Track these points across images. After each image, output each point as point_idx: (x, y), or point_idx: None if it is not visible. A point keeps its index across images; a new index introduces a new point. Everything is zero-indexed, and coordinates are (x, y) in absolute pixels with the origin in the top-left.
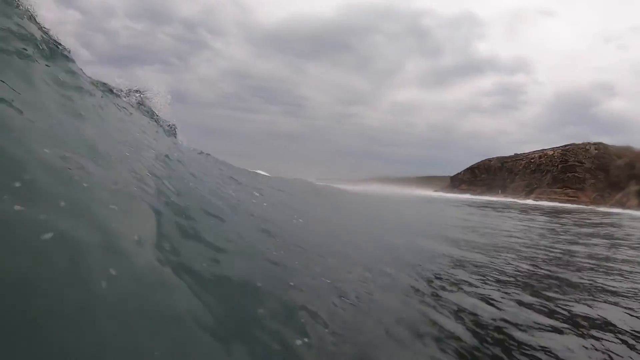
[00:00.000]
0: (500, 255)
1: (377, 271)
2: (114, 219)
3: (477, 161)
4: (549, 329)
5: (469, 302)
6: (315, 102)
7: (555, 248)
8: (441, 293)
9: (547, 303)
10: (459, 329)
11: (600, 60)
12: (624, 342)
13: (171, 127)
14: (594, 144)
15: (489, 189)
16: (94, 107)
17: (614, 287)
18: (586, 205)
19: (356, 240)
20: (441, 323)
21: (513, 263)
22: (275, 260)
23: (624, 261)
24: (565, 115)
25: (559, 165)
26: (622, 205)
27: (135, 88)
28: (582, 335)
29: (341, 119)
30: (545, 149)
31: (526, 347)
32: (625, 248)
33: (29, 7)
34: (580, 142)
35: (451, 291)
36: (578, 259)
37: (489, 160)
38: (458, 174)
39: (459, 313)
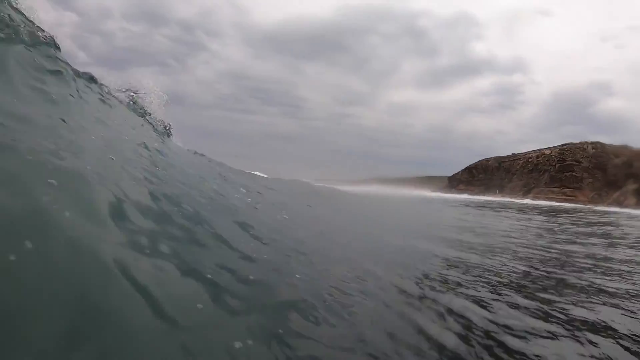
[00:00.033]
0: (495, 256)
1: (360, 270)
2: (53, 194)
3: (474, 161)
4: (544, 334)
5: (458, 304)
6: (313, 103)
7: (552, 248)
8: (429, 294)
9: (543, 306)
10: (444, 335)
11: (597, 59)
12: (626, 348)
13: (165, 127)
14: (592, 143)
15: (487, 188)
16: (71, 95)
17: (613, 288)
18: (584, 204)
19: (347, 239)
20: (425, 328)
21: (508, 264)
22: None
23: (622, 261)
24: (563, 115)
25: (557, 165)
26: (619, 204)
27: (128, 87)
28: (580, 341)
29: (339, 120)
30: (543, 149)
31: (518, 355)
32: (623, 247)
33: None
34: (577, 141)
35: (440, 292)
36: (575, 259)
37: (487, 160)
38: (456, 174)
39: (446, 316)
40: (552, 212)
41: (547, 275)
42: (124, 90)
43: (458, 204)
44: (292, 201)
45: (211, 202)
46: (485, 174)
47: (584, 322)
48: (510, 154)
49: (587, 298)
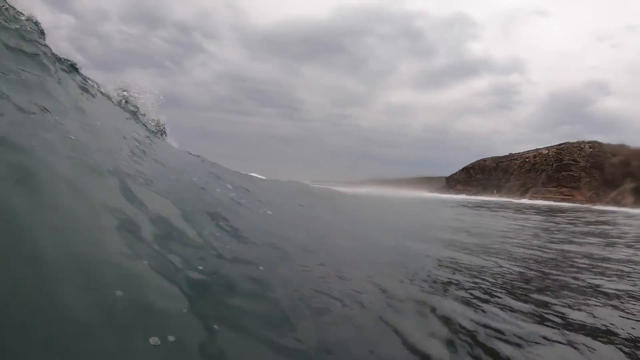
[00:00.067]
0: (489, 256)
1: (344, 269)
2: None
3: (472, 161)
4: (539, 340)
5: (447, 307)
6: (311, 104)
7: (549, 248)
8: (415, 295)
9: (538, 308)
10: (430, 342)
11: (594, 59)
12: (629, 354)
13: (159, 126)
14: (589, 142)
15: (484, 189)
16: (47, 79)
17: (611, 288)
18: (581, 203)
19: (339, 240)
20: (406, 333)
21: (503, 264)
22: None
23: (620, 260)
24: (560, 115)
25: (554, 164)
26: (617, 203)
27: (120, 86)
28: (578, 347)
29: (337, 121)
30: (540, 148)
31: None
32: (621, 246)
33: None
34: (574, 140)
35: (428, 293)
36: (573, 259)
37: (484, 160)
38: (453, 174)
39: (432, 320)
40: (549, 212)
41: (544, 276)
42: (117, 89)
43: (455, 205)
44: (286, 201)
45: (179, 188)
46: (482, 174)
47: (582, 326)
48: (508, 154)
49: (584, 300)
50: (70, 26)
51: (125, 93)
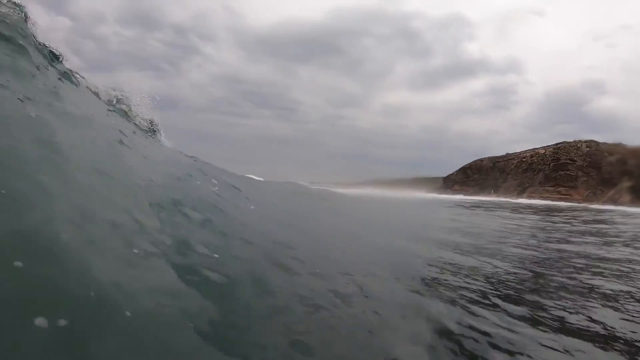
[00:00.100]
0: (484, 257)
1: (333, 269)
2: None
3: (469, 161)
4: (533, 344)
5: (437, 310)
6: (307, 106)
7: (546, 248)
8: (404, 297)
9: (534, 311)
10: (412, 348)
11: (590, 58)
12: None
13: (151, 125)
14: (586, 141)
15: (482, 189)
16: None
17: (609, 289)
18: (579, 202)
19: (333, 241)
20: (391, 339)
21: (499, 265)
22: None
23: (618, 260)
24: (556, 114)
25: (551, 164)
26: (614, 202)
27: (113, 86)
28: (574, 354)
29: (333, 122)
30: (537, 148)
31: None
32: (618, 245)
33: None
34: (571, 140)
35: (417, 294)
36: (570, 259)
37: (481, 160)
38: (450, 174)
39: (418, 323)
40: (546, 211)
41: (540, 276)
42: (110, 88)
43: (452, 205)
44: (279, 201)
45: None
46: (479, 174)
47: (578, 329)
48: (505, 153)
49: (581, 301)
50: (66, 28)
51: (114, 91)
